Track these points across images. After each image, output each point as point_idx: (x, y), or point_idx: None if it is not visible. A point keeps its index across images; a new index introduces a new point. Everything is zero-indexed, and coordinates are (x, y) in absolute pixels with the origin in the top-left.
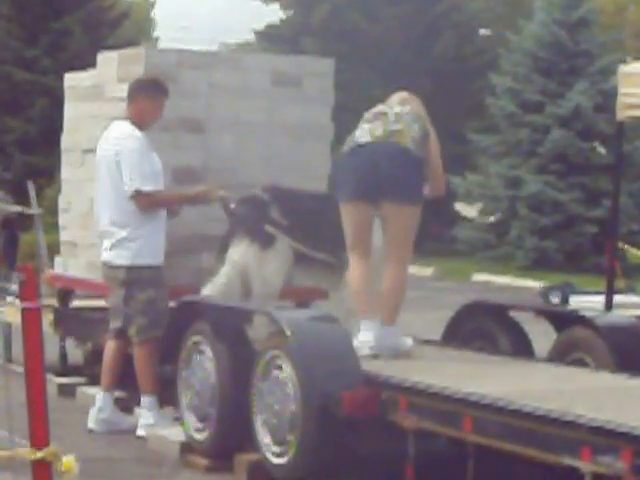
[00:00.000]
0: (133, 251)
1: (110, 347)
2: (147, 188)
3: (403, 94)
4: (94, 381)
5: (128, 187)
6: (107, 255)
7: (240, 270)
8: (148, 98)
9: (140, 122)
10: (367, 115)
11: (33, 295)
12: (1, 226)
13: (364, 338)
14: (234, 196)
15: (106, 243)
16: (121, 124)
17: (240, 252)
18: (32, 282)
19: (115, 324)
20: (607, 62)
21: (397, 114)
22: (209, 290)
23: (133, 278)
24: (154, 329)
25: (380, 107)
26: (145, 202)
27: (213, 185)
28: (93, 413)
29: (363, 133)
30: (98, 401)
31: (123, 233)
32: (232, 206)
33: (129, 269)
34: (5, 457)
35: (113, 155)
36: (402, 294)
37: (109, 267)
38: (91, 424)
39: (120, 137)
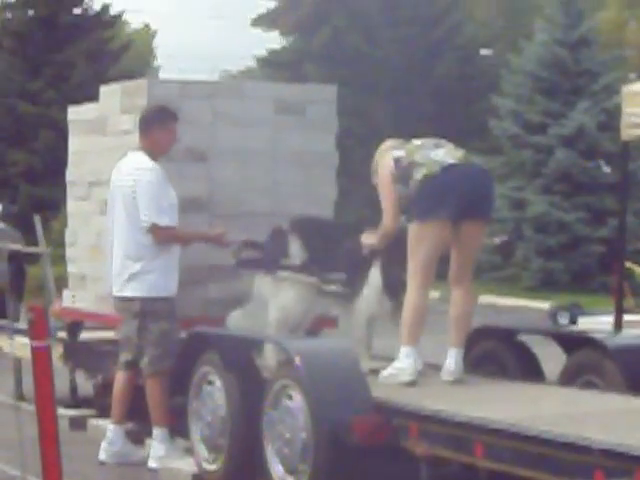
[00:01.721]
0: (147, 283)
1: (120, 379)
2: (164, 222)
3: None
4: (105, 413)
5: (145, 220)
6: (121, 288)
7: (262, 300)
8: (159, 128)
9: (155, 152)
10: (422, 142)
11: (43, 334)
12: (8, 259)
13: (404, 365)
14: (244, 243)
15: (119, 276)
16: (137, 155)
17: (258, 282)
18: (42, 321)
19: (126, 356)
20: (609, 80)
21: (453, 146)
22: (234, 319)
23: (147, 310)
24: (166, 360)
25: (424, 139)
26: (161, 236)
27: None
28: (104, 445)
29: (445, 155)
30: (109, 433)
31: (137, 266)
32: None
33: (143, 301)
34: None
35: (130, 187)
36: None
37: (122, 299)
38: (102, 456)
39: (137, 169)
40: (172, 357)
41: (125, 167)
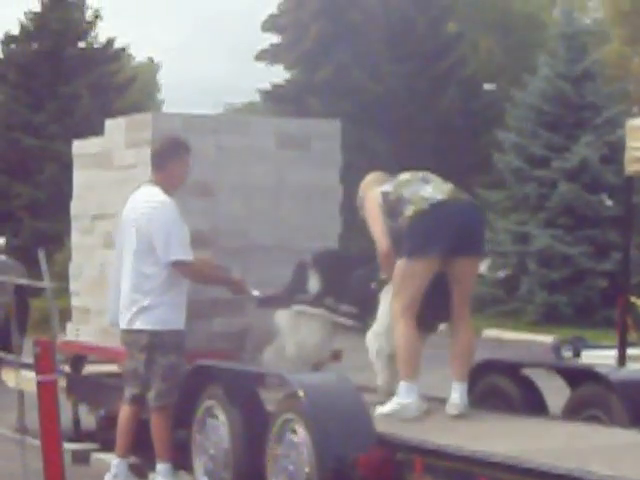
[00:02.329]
0: (156, 317)
1: (125, 413)
2: (189, 257)
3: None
4: (107, 447)
5: (166, 257)
6: (129, 321)
7: (285, 335)
8: (175, 160)
9: (170, 187)
10: (410, 177)
11: (49, 368)
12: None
13: (407, 400)
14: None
15: (128, 309)
16: (152, 190)
17: (278, 316)
18: (48, 355)
19: (132, 390)
20: (613, 114)
21: (441, 180)
22: (268, 356)
23: (156, 343)
24: (173, 395)
25: (412, 173)
26: (188, 271)
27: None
28: (108, 478)
29: (433, 191)
30: (113, 467)
31: (147, 300)
32: (255, 293)
33: (152, 334)
34: None
35: (144, 222)
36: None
37: (130, 332)
38: None
39: (152, 203)
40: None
41: (139, 202)
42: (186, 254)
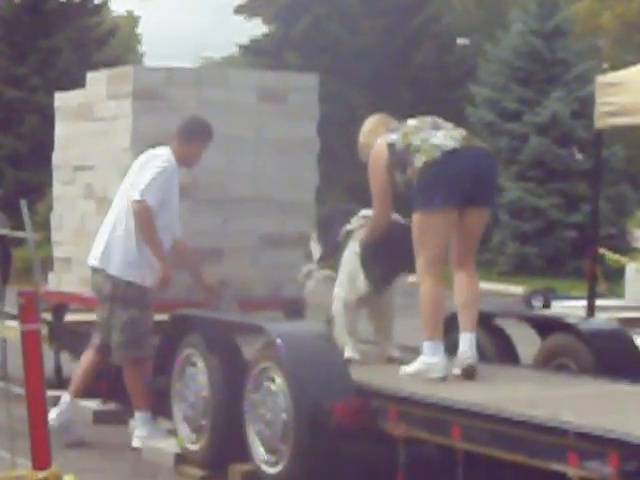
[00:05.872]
0: (124, 263)
1: (88, 357)
2: (148, 202)
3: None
4: (89, 394)
5: (133, 192)
6: (96, 258)
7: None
8: (181, 139)
9: (180, 160)
10: (418, 123)
11: (33, 318)
12: None
13: (433, 360)
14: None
15: (100, 244)
16: (163, 148)
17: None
18: (31, 305)
19: (98, 336)
20: (583, 69)
21: (452, 125)
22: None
23: (118, 294)
24: (131, 349)
25: (420, 119)
26: (138, 213)
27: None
28: (54, 410)
29: (444, 139)
30: (62, 403)
31: (119, 241)
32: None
33: (114, 284)
34: (8, 478)
35: (142, 162)
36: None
37: (95, 273)
38: (52, 415)
39: (156, 153)
40: (139, 346)
41: (148, 152)
42: (151, 199)
